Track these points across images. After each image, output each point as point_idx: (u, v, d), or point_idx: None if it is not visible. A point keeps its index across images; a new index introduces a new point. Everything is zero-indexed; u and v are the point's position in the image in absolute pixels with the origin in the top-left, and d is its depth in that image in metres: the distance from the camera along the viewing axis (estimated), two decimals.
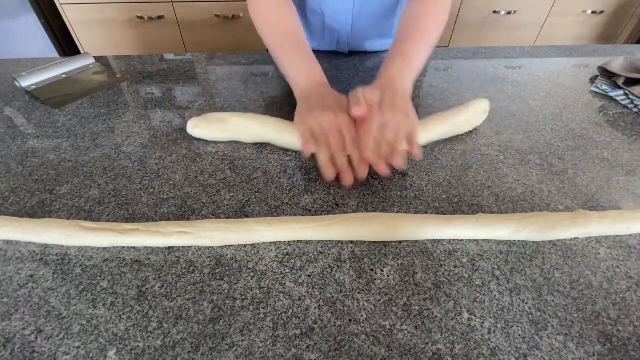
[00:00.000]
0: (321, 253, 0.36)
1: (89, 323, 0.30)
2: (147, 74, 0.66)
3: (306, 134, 0.43)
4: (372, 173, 0.45)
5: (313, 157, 0.44)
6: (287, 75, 0.52)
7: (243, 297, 0.32)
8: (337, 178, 0.41)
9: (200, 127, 0.49)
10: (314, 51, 0.75)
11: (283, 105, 0.59)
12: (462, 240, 0.37)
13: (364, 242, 0.37)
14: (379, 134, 0.41)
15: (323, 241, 0.37)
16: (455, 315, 0.31)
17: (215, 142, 0.50)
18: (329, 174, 0.40)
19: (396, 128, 0.42)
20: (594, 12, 1.72)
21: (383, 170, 0.40)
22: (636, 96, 0.59)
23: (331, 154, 0.41)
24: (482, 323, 0.31)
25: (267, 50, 0.85)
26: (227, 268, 0.35)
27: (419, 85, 0.65)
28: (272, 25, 0.55)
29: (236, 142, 0.50)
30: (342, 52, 0.75)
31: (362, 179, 0.41)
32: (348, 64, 0.71)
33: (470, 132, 0.53)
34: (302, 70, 0.51)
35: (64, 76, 0.64)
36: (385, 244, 0.37)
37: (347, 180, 0.40)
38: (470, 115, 0.52)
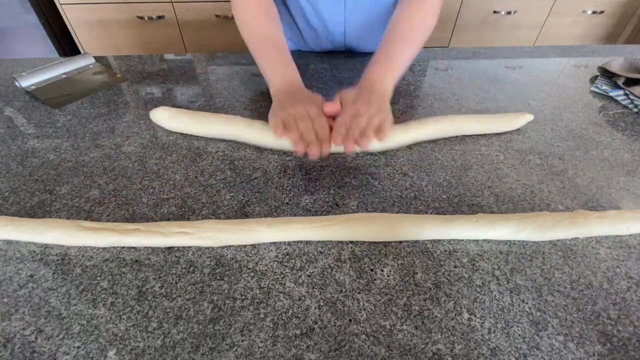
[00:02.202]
0: (321, 253, 0.36)
1: (89, 323, 0.30)
2: (147, 74, 0.66)
3: (277, 122, 0.45)
4: (372, 173, 0.45)
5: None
6: (264, 75, 0.54)
7: (243, 297, 0.32)
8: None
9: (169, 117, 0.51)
10: (311, 52, 0.76)
11: None
12: (462, 240, 0.37)
13: (364, 242, 0.37)
14: (351, 122, 0.43)
15: (323, 241, 0.37)
16: (455, 315, 0.31)
17: (215, 142, 0.50)
18: (299, 149, 0.42)
19: (368, 117, 0.44)
20: (594, 12, 1.72)
21: (350, 148, 0.42)
22: (636, 96, 0.59)
23: (301, 134, 0.43)
24: (482, 323, 0.31)
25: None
26: (227, 268, 0.35)
27: (419, 86, 0.65)
28: (251, 28, 0.57)
29: (236, 142, 0.50)
30: (340, 51, 0.76)
31: (325, 154, 0.42)
32: (348, 64, 0.71)
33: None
34: (277, 71, 0.53)
35: (64, 76, 0.64)
36: (385, 244, 0.37)
37: (313, 152, 0.42)
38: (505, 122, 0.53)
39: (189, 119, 0.51)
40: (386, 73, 0.50)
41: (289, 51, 0.56)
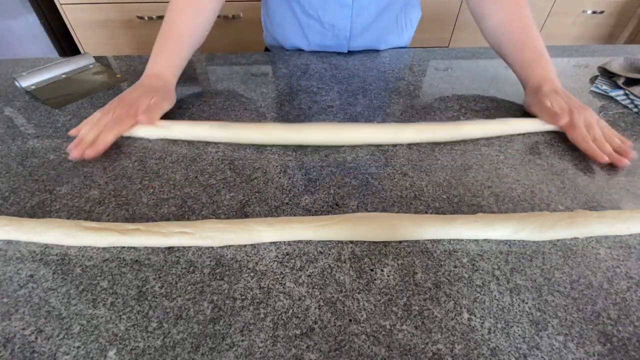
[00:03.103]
0: (321, 253, 0.36)
1: (89, 323, 0.30)
2: None
3: (96, 115, 0.50)
4: (372, 173, 0.45)
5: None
6: None
7: (243, 297, 0.32)
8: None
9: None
10: (310, 52, 0.76)
11: (283, 104, 0.59)
12: (462, 240, 0.37)
13: (364, 242, 0.37)
14: (589, 132, 0.48)
15: (323, 241, 0.37)
16: (455, 315, 0.31)
17: (215, 142, 0.50)
18: (74, 144, 0.46)
19: (594, 124, 0.50)
20: (594, 12, 1.72)
21: (625, 160, 0.46)
22: (636, 96, 0.59)
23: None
24: (482, 323, 0.31)
25: (266, 49, 0.86)
26: (227, 268, 0.35)
27: (419, 86, 0.65)
28: (168, 21, 0.58)
29: (236, 143, 0.50)
30: (341, 52, 0.76)
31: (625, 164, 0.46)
32: (348, 64, 0.71)
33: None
34: (152, 60, 0.56)
35: (64, 76, 0.64)
36: (385, 244, 0.37)
37: (74, 153, 0.45)
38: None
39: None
40: (552, 67, 0.57)
41: (183, 46, 0.58)
